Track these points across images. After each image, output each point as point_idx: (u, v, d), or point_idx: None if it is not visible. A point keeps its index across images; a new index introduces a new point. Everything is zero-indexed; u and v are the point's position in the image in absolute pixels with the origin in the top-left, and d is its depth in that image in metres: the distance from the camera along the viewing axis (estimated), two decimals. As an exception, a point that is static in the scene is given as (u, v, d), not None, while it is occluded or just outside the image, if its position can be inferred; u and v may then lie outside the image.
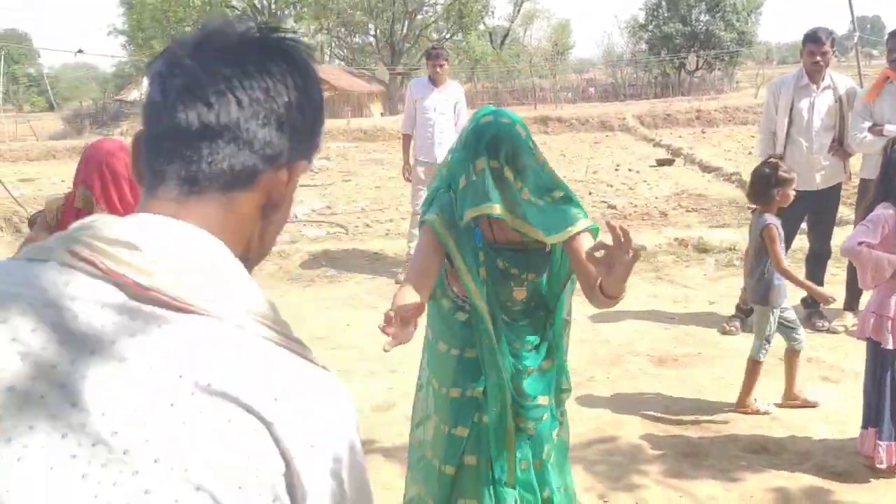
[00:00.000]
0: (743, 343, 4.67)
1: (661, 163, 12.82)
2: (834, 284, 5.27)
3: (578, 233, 2.09)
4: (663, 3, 33.69)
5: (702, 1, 32.66)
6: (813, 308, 4.98)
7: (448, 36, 36.66)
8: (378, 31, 36.15)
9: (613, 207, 9.03)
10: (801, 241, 5.38)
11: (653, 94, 30.84)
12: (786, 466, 3.22)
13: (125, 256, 0.70)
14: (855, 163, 5.03)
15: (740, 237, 6.86)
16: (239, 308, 0.72)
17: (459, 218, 2.11)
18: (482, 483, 2.20)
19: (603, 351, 4.63)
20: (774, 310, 3.71)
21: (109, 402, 0.65)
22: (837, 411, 3.70)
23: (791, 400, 3.79)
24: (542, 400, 2.25)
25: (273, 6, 33.53)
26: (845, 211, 6.21)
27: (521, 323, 2.25)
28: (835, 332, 4.74)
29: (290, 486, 0.68)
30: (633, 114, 20.34)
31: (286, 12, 34.36)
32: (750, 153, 13.15)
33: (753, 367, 3.77)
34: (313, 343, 4.95)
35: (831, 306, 4.99)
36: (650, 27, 34.64)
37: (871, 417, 3.15)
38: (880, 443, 3.10)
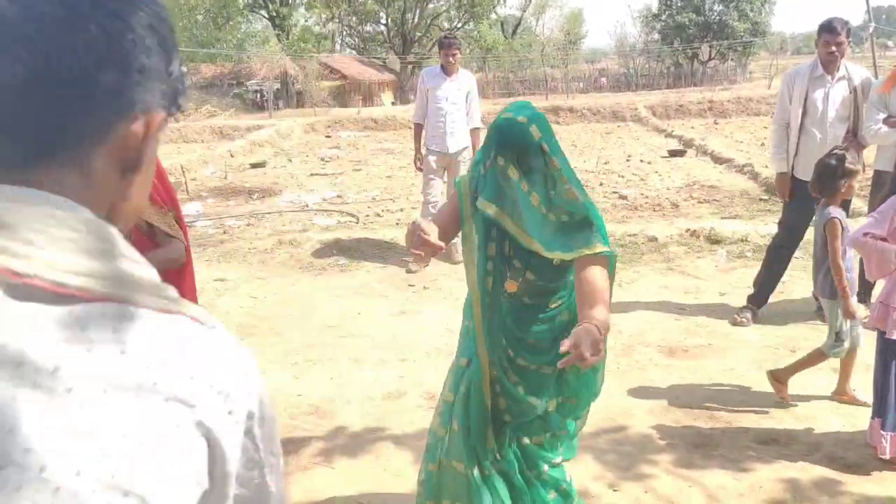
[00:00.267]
0: (754, 334, 4.68)
1: (673, 154, 12.76)
2: (846, 277, 5.26)
3: (587, 255, 2.05)
4: (677, -8, 33.43)
5: (715, -10, 32.40)
6: (825, 300, 4.96)
7: (459, 25, 36.52)
8: (389, 19, 36.05)
9: (624, 198, 9.01)
10: (813, 234, 5.35)
11: (665, 84, 30.67)
12: (796, 457, 3.22)
13: None
14: (868, 155, 4.99)
15: (752, 228, 6.84)
16: (129, 282, 0.65)
17: (474, 199, 2.20)
18: (464, 447, 2.30)
19: (613, 341, 4.63)
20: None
21: (12, 416, 0.56)
22: (849, 403, 3.70)
23: (840, 395, 3.76)
24: (532, 400, 2.25)
25: (284, -6, 33.48)
26: (858, 203, 6.17)
27: (523, 310, 2.26)
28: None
29: (211, 461, 0.65)
30: (645, 104, 20.22)
31: (297, 0, 34.29)
32: (762, 144, 13.06)
33: (819, 357, 3.69)
34: (324, 331, 5.00)
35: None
36: (663, 17, 34.40)
37: (879, 407, 3.16)
38: (883, 433, 3.12)
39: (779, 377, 3.77)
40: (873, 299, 4.05)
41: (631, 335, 4.73)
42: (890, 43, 43.51)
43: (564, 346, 1.76)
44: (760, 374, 4.11)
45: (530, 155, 2.03)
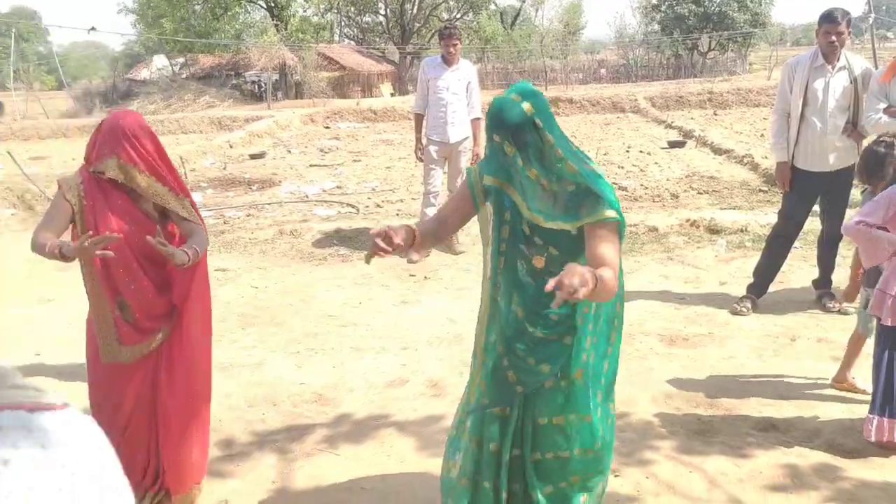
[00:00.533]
0: (753, 323, 4.70)
1: (673, 145, 12.77)
2: (845, 267, 5.29)
3: (593, 224, 2.08)
4: (676, -17, 33.31)
5: (715, -19, 32.29)
6: (823, 289, 4.99)
7: (458, 16, 36.39)
8: (388, 10, 35.91)
9: (624, 189, 9.02)
10: (812, 223, 5.38)
11: (665, 75, 30.62)
12: (795, 444, 3.25)
13: None
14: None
15: (751, 219, 6.86)
16: None
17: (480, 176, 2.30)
18: (485, 420, 2.35)
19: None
20: None
21: None
22: (847, 391, 3.72)
23: (840, 382, 3.76)
24: (543, 367, 2.27)
25: (283, -15, 33.31)
26: (856, 194, 6.19)
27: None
28: (845, 313, 4.75)
29: None
30: (644, 95, 20.21)
31: (296, -9, 34.12)
32: (762, 135, 13.07)
33: (860, 340, 3.67)
34: (325, 320, 5.02)
35: (842, 287, 5.02)
36: (663, 8, 34.30)
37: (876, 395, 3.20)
38: (871, 416, 3.15)
39: (841, 379, 3.74)
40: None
41: (631, 324, 4.75)
42: (889, 34, 43.45)
43: (550, 284, 1.76)
44: (760, 362, 4.15)
45: (523, 131, 2.09)
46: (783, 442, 3.28)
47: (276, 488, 3.04)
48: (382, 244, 2.09)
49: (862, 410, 3.38)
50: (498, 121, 2.10)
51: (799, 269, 5.55)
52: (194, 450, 2.93)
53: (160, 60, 31.90)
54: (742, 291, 5.06)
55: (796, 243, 5.33)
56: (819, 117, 4.69)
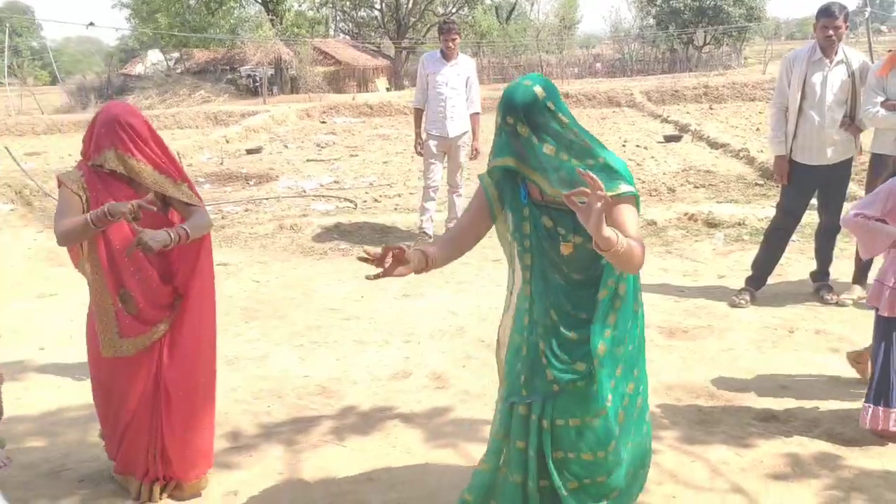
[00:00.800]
0: (752, 316, 4.75)
1: (669, 139, 12.81)
2: (842, 259, 5.34)
3: (612, 197, 2.09)
4: (671, -23, 33.31)
5: (710, -25, 32.30)
6: (821, 282, 5.04)
7: (454, 10, 36.31)
8: (383, 4, 35.81)
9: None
10: (810, 217, 5.42)
11: (660, 69, 30.66)
12: (795, 433, 3.29)
13: None
14: (865, 139, 5.05)
15: (749, 212, 6.91)
16: None
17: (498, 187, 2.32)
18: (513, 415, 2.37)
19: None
20: None
21: None
22: (846, 381, 3.77)
23: (857, 360, 3.75)
24: (579, 366, 2.26)
25: (277, -21, 33.18)
26: (854, 187, 6.24)
27: (576, 287, 2.27)
28: (843, 304, 4.81)
29: None
30: (640, 89, 20.25)
31: (290, -15, 34.01)
32: (758, 129, 13.13)
33: None
34: (327, 314, 5.05)
35: (841, 279, 5.07)
36: (658, 2, 34.31)
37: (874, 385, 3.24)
38: (866, 405, 3.20)
39: (858, 360, 3.75)
40: (870, 280, 4.14)
41: (631, 317, 4.79)
42: (883, 28, 43.57)
43: (584, 172, 1.85)
44: (759, 353, 4.19)
45: (537, 112, 2.13)
46: (783, 431, 3.33)
47: (283, 479, 3.07)
48: (387, 265, 2.18)
49: (859, 400, 3.43)
50: (510, 103, 2.14)
51: (797, 262, 5.60)
52: (201, 438, 2.96)
53: (155, 55, 31.77)
54: (740, 284, 5.10)
55: (794, 236, 5.38)
56: (817, 111, 4.73)
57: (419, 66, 6.67)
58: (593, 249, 2.05)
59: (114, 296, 2.76)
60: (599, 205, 1.86)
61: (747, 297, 4.93)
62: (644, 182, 9.12)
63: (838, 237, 5.12)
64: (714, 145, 11.65)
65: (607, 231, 1.91)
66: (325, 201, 8.90)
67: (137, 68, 31.74)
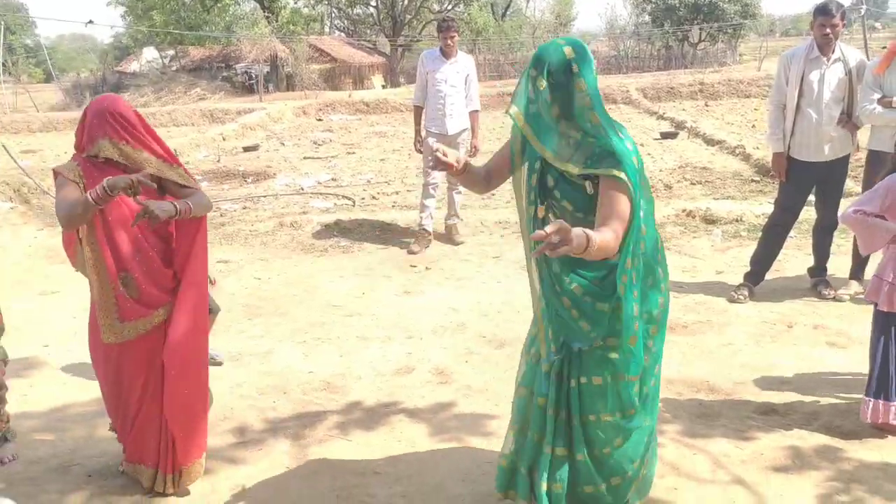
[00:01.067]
0: (751, 311, 4.79)
1: (665, 136, 12.86)
2: (839, 255, 5.39)
3: (608, 178, 2.19)
4: (667, -26, 33.36)
5: (705, -28, 32.36)
6: (819, 277, 5.09)
7: (450, 7, 36.30)
8: (379, 1, 35.79)
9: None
10: (808, 213, 5.47)
11: (656, 66, 30.71)
12: (795, 426, 3.34)
13: None
14: (862, 136, 5.10)
15: (746, 208, 6.96)
16: None
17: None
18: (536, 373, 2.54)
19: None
20: None
21: None
22: (845, 375, 3.82)
23: None
24: (583, 325, 2.39)
25: (273, -24, 33.12)
26: (850, 183, 6.29)
27: (574, 265, 2.39)
28: (840, 300, 4.86)
29: None
30: (636, 86, 20.30)
31: (286, -18, 33.95)
32: (753, 126, 13.19)
33: None
34: (329, 310, 5.08)
35: (838, 275, 5.12)
36: (653, -1, 34.36)
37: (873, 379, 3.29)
38: (867, 398, 3.25)
39: None
40: (867, 276, 4.19)
41: (631, 312, 4.83)
42: (877, 25, 43.71)
43: (537, 234, 1.92)
44: (758, 348, 4.24)
45: (559, 71, 2.19)
46: (783, 425, 3.37)
47: (290, 473, 3.10)
48: (443, 158, 2.36)
49: (858, 394, 3.48)
50: (539, 56, 2.24)
51: (794, 258, 5.65)
52: (198, 421, 3.00)
53: (150, 53, 31.72)
54: (738, 280, 5.15)
55: (791, 233, 5.42)
56: (814, 108, 4.77)
57: (419, 63, 6.69)
58: (580, 217, 2.26)
59: (114, 279, 2.79)
60: (554, 240, 1.93)
61: (746, 293, 4.98)
62: (641, 179, 9.15)
63: (835, 233, 5.17)
64: (710, 142, 11.70)
65: (576, 242, 1.97)
66: (323, 199, 8.92)
67: (133, 66, 31.69)
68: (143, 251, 2.83)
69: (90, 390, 3.69)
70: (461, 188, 6.79)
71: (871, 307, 3.36)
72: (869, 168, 4.80)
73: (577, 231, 2.00)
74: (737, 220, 6.69)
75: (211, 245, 6.79)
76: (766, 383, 3.80)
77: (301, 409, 3.68)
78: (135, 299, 2.81)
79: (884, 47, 4.97)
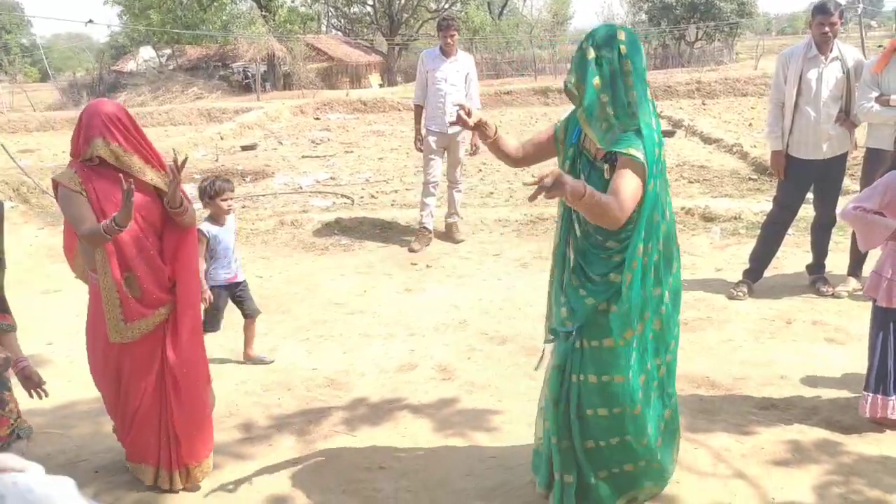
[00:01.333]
0: (750, 307, 4.83)
1: (663, 134, 12.83)
2: (837, 252, 5.43)
3: (624, 156, 2.33)
4: (663, -27, 33.42)
5: (702, -29, 32.42)
6: (817, 274, 5.13)
7: (447, 6, 36.31)
8: (376, 0, 35.78)
9: (617, 178, 9.13)
10: (806, 210, 5.51)
11: (652, 65, 30.68)
12: (795, 421, 3.38)
13: None
14: (860, 134, 5.14)
15: (745, 206, 7.00)
16: None
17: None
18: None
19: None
20: None
21: None
22: (843, 370, 3.86)
23: None
24: (588, 300, 2.51)
25: (269, -25, 33.08)
26: (847, 182, 6.33)
27: (595, 244, 2.52)
28: (839, 296, 4.90)
29: None
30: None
31: (282, -19, 33.90)
32: (750, 124, 13.23)
33: None
34: (331, 308, 5.10)
35: (835, 272, 5.16)
36: (650, -2, 34.40)
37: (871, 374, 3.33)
38: (865, 393, 3.29)
39: None
40: (865, 273, 4.23)
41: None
42: (873, 23, 43.85)
43: (532, 178, 2.10)
44: (758, 344, 4.28)
45: (607, 46, 2.33)
46: (783, 419, 3.41)
47: (297, 469, 3.13)
48: (464, 116, 2.49)
49: (857, 389, 3.52)
50: (594, 29, 2.39)
51: (792, 255, 5.69)
52: (204, 419, 3.04)
53: (147, 52, 31.67)
54: (737, 277, 5.19)
55: (789, 230, 5.46)
56: (813, 107, 4.81)
57: (419, 62, 6.72)
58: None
59: (118, 279, 2.83)
60: (547, 182, 2.11)
61: (745, 290, 5.01)
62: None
63: (833, 231, 5.21)
64: (707, 140, 11.74)
65: (570, 187, 2.14)
66: (322, 197, 8.94)
67: (129, 65, 31.64)
68: (145, 250, 2.87)
69: (95, 388, 3.71)
70: (461, 186, 6.82)
71: (870, 303, 3.40)
72: (867, 166, 4.85)
73: (577, 181, 2.17)
74: (735, 218, 6.73)
75: (212, 243, 6.83)
76: (766, 379, 3.84)
77: (305, 405, 3.71)
78: (137, 299, 2.85)
79: (880, 46, 5.02)
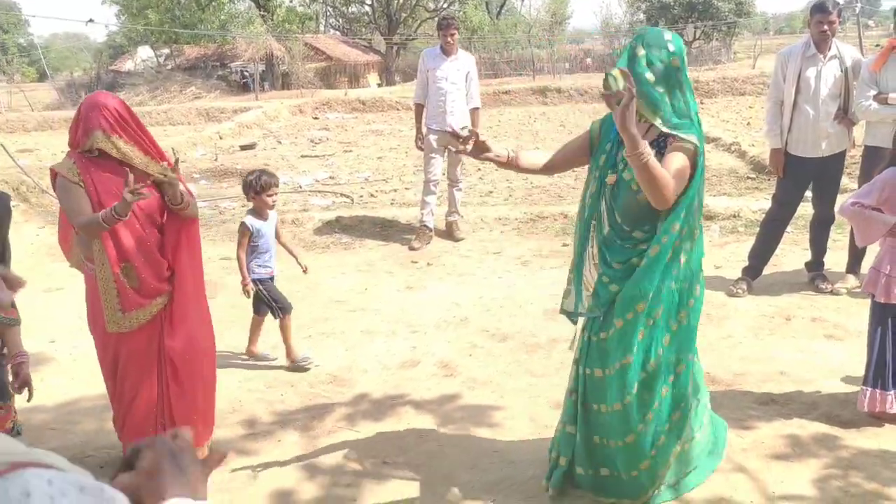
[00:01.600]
0: (749, 304, 4.86)
1: (661, 133, 12.90)
2: (836, 249, 5.46)
3: (677, 142, 2.44)
4: (661, -28, 33.47)
5: (700, -29, 32.48)
6: (816, 271, 5.16)
7: (445, 5, 36.33)
8: (374, 0, 35.79)
9: (616, 177, 9.16)
10: (804, 208, 5.54)
11: (650, 64, 30.67)
12: (794, 416, 3.41)
13: None
14: (858, 133, 5.16)
15: (744, 204, 7.02)
16: None
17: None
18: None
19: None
20: None
21: None
22: (842, 366, 3.89)
23: None
24: (612, 287, 2.60)
25: (267, -25, 33.09)
26: (845, 180, 6.36)
27: (622, 236, 2.61)
28: (838, 293, 4.93)
29: None
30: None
31: (281, -19, 33.91)
32: (748, 123, 13.27)
33: None
34: (332, 306, 5.13)
35: (834, 270, 5.19)
36: (648, -3, 34.45)
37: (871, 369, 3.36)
38: (864, 388, 3.33)
39: None
40: (864, 270, 4.26)
41: (631, 306, 4.89)
42: (870, 22, 43.95)
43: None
44: (757, 340, 4.31)
45: (657, 46, 2.47)
46: (783, 414, 3.44)
47: (301, 464, 3.16)
48: (460, 141, 2.52)
49: (856, 384, 3.55)
50: (645, 30, 2.55)
51: (791, 253, 5.72)
52: (205, 404, 3.06)
53: (145, 52, 31.65)
54: (737, 274, 5.21)
55: (788, 228, 5.49)
56: (811, 105, 4.84)
57: (419, 61, 6.74)
58: (637, 192, 2.45)
59: (115, 269, 2.86)
60: (625, 100, 2.20)
61: (744, 287, 5.04)
62: (638, 176, 9.21)
63: (832, 228, 5.25)
64: (705, 140, 11.74)
65: (634, 131, 2.25)
66: (321, 196, 8.96)
67: (127, 65, 31.61)
68: (143, 241, 2.90)
69: (98, 385, 3.71)
70: (461, 185, 6.84)
71: (868, 300, 3.43)
72: (865, 164, 4.88)
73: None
74: (734, 216, 6.76)
75: (213, 242, 6.86)
76: (766, 375, 3.86)
77: (309, 401, 3.73)
78: (135, 289, 2.89)
79: (877, 45, 5.05)
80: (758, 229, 5.35)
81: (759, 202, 6.94)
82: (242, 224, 4.00)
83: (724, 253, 5.96)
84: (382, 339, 4.51)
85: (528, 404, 3.63)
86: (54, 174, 2.87)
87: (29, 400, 2.88)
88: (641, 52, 2.46)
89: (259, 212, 4.11)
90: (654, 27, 2.66)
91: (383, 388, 3.85)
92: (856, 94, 4.81)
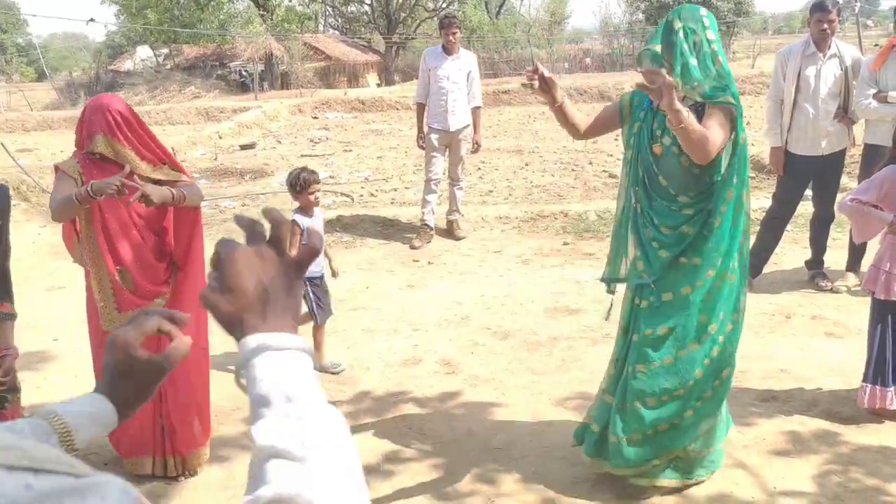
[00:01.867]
0: (749, 303, 4.84)
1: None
2: (836, 248, 5.48)
3: (715, 105, 2.55)
4: (660, -28, 33.48)
5: (698, -30, 32.49)
6: (816, 269, 5.17)
7: (444, 5, 36.34)
8: (373, 0, 35.80)
9: (615, 177, 9.17)
10: (804, 207, 5.55)
11: (649, 64, 30.70)
12: (795, 413, 3.43)
13: None
14: (858, 131, 5.18)
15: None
16: None
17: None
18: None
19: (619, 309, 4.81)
20: None
21: None
22: (842, 363, 3.91)
23: None
24: (662, 253, 2.69)
25: (267, -25, 33.09)
26: (845, 179, 6.37)
27: (668, 199, 2.70)
28: (837, 291, 4.95)
29: None
30: (631, 84, 20.35)
31: (280, -19, 33.91)
32: (748, 123, 13.28)
33: None
34: (334, 305, 5.12)
35: (833, 268, 5.21)
36: (647, -3, 34.46)
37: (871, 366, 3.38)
38: (864, 384, 3.35)
39: None
40: (864, 269, 4.27)
41: (632, 305, 4.91)
42: (869, 22, 44.01)
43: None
44: (758, 338, 4.32)
45: (692, 19, 2.62)
46: (783, 411, 3.46)
47: (304, 461, 3.17)
48: (536, 76, 2.71)
49: (856, 381, 3.56)
50: (682, 6, 2.67)
51: (791, 251, 5.74)
52: (201, 408, 3.08)
53: (144, 51, 31.64)
54: (737, 272, 5.22)
55: (788, 226, 5.51)
56: (811, 104, 4.86)
57: (421, 60, 6.75)
58: (679, 156, 2.57)
59: (111, 272, 2.88)
60: (663, 82, 2.34)
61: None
62: (638, 175, 9.23)
63: (832, 227, 5.26)
64: (705, 139, 11.78)
65: (677, 107, 2.37)
66: (321, 196, 8.96)
67: (126, 64, 31.60)
68: (139, 247, 2.92)
69: (102, 382, 3.75)
70: (462, 184, 6.86)
71: (868, 298, 3.45)
72: (865, 162, 4.90)
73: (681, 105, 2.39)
74: (734, 215, 6.77)
75: (213, 241, 6.85)
76: (767, 372, 3.88)
77: (311, 399, 3.74)
78: (131, 291, 2.91)
79: (876, 45, 5.08)
80: (758, 228, 5.36)
81: (760, 201, 6.94)
82: (293, 222, 3.95)
83: (724, 251, 5.96)
84: (384, 338, 4.53)
85: (530, 401, 3.64)
86: (56, 169, 2.91)
87: (7, 393, 2.89)
88: (678, 24, 2.60)
89: (305, 209, 4.12)
90: (691, 4, 2.81)
91: (385, 386, 3.86)
92: (856, 92, 4.83)
